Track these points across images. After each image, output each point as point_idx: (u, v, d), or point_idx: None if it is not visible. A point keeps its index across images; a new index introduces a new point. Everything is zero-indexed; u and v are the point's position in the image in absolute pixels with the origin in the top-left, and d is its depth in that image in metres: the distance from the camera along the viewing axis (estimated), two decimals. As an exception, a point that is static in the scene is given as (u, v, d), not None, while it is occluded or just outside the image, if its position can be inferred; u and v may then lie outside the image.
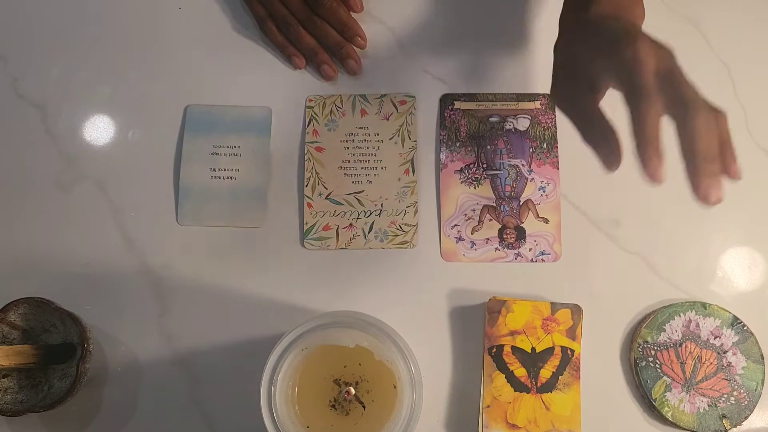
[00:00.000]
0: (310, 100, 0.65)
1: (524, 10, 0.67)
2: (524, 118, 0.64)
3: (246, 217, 0.63)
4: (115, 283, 0.61)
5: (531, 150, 0.64)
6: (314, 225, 0.62)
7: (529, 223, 0.62)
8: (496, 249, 0.62)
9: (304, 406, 0.50)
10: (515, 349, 0.58)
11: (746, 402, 0.58)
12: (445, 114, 0.65)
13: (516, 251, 0.62)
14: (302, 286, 0.61)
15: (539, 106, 0.65)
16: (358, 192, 0.63)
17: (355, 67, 0.65)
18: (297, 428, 0.49)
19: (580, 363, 0.58)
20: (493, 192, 0.63)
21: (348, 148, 0.64)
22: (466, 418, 0.59)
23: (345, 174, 0.64)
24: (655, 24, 0.67)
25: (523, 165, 0.64)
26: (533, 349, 0.58)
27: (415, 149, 0.64)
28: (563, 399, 0.57)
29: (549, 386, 0.58)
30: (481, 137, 0.64)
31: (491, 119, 0.65)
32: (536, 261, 0.62)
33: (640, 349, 0.59)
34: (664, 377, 0.58)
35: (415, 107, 0.65)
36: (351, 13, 0.66)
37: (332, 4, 0.64)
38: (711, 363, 0.58)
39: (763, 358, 0.58)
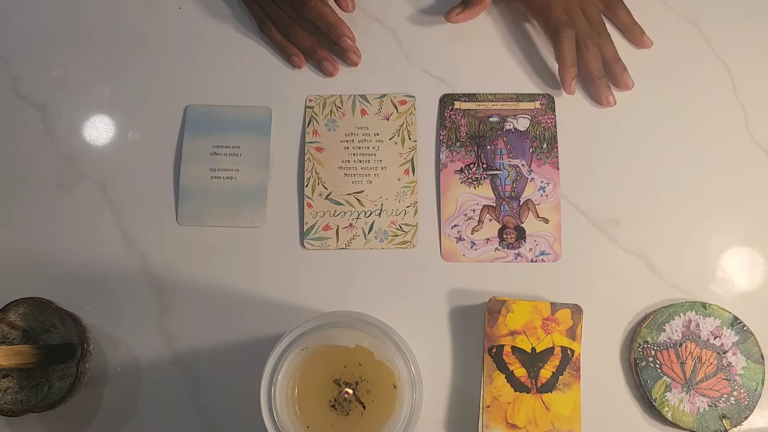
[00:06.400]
0: (310, 100, 0.65)
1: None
2: (524, 118, 0.64)
3: (246, 217, 0.63)
4: (115, 283, 0.61)
5: (531, 150, 0.64)
6: (314, 225, 0.62)
7: (529, 223, 0.62)
8: (496, 249, 0.62)
9: (304, 406, 0.50)
10: (515, 349, 0.58)
11: (746, 402, 0.58)
12: (445, 114, 0.65)
13: (516, 251, 0.62)
14: (302, 286, 0.61)
15: (539, 106, 0.65)
16: (358, 192, 0.63)
17: (356, 59, 0.65)
18: (297, 428, 0.49)
19: (580, 363, 0.58)
20: (493, 192, 0.63)
21: (348, 148, 0.64)
22: (466, 418, 0.59)
23: (345, 174, 0.64)
24: (655, 24, 0.67)
25: (523, 165, 0.63)
26: (533, 349, 0.58)
27: (415, 149, 0.64)
28: (563, 399, 0.57)
29: (549, 386, 0.58)
30: (481, 137, 0.64)
31: (491, 119, 0.65)
32: (536, 261, 0.62)
33: (640, 349, 0.59)
34: (664, 377, 0.58)
35: (415, 107, 0.65)
36: (342, 11, 0.65)
37: (316, 4, 0.64)
38: (711, 363, 0.58)
39: (763, 358, 0.58)
